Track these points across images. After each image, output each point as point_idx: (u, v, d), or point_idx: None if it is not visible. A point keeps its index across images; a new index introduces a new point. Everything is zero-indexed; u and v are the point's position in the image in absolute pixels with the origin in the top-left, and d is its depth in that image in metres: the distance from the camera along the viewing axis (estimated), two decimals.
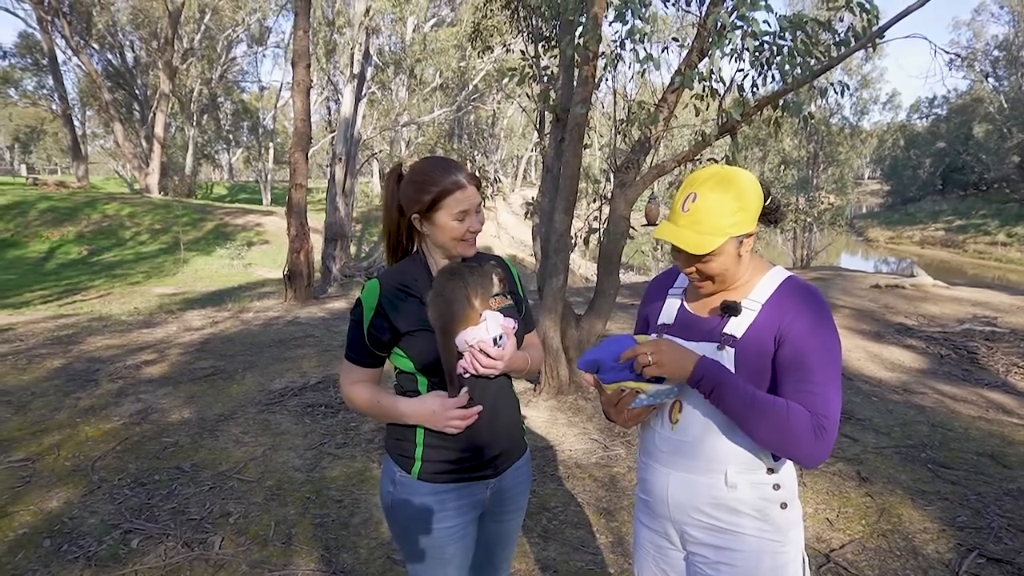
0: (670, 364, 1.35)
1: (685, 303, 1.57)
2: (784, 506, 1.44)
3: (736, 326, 1.43)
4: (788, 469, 1.47)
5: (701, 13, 4.60)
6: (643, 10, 4.01)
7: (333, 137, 18.72)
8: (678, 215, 1.43)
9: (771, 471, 1.43)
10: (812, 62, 4.33)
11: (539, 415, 4.73)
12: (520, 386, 4.99)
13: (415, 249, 1.75)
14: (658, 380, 1.41)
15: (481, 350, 1.57)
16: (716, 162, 5.13)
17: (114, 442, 4.08)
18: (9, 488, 3.48)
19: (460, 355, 1.59)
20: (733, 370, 1.41)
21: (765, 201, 1.48)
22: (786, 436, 1.32)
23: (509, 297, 1.76)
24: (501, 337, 1.61)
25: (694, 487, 1.45)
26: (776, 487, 1.43)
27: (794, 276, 1.48)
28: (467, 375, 1.61)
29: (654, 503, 1.55)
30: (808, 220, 21.19)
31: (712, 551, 1.46)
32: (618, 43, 5.29)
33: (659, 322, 1.59)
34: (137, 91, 32.24)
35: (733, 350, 1.41)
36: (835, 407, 1.34)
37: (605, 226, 5.22)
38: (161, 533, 3.05)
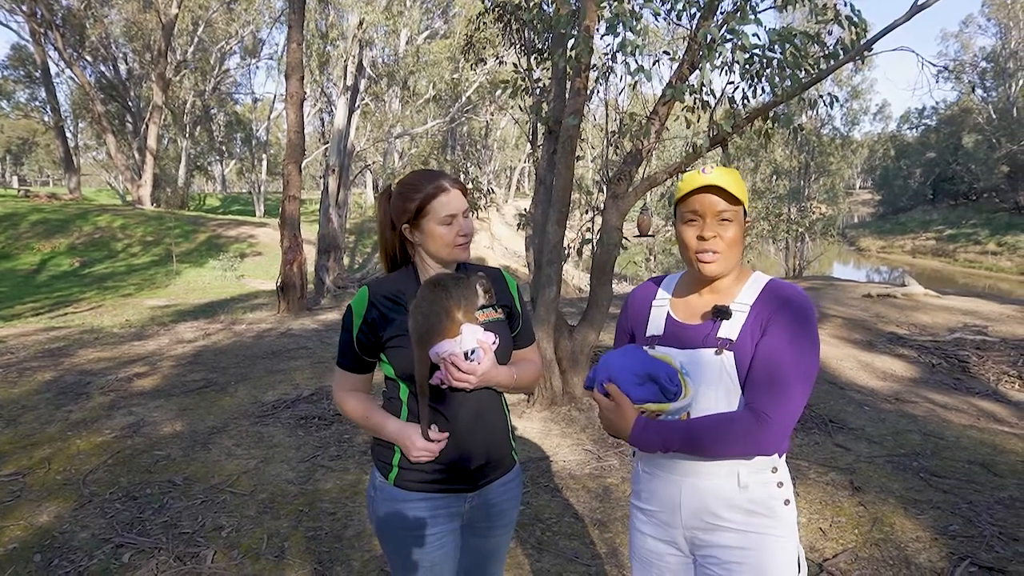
0: (610, 426, 1.51)
1: (672, 313, 1.59)
2: (787, 502, 1.49)
3: (729, 329, 1.47)
4: (785, 468, 1.52)
5: (692, 27, 4.65)
6: (634, 23, 4.05)
7: (326, 149, 18.75)
8: (706, 175, 1.48)
9: (775, 469, 1.48)
10: (801, 74, 4.38)
11: (532, 426, 4.73)
12: (513, 397, 4.98)
13: (410, 262, 1.77)
14: (674, 397, 1.45)
15: (452, 363, 1.56)
16: None
17: (105, 455, 4.05)
18: None
19: (436, 367, 1.59)
20: (735, 373, 1.44)
21: None
22: (729, 444, 1.41)
23: (500, 311, 1.75)
24: (474, 351, 1.59)
25: (708, 492, 1.49)
26: (780, 485, 1.49)
27: (776, 279, 1.53)
28: (444, 386, 1.61)
29: (662, 512, 1.56)
30: (800, 230, 21.29)
31: (723, 551, 1.49)
32: (610, 56, 5.34)
33: (648, 334, 1.60)
34: (130, 103, 32.19)
35: (732, 353, 1.45)
36: (787, 404, 1.39)
37: (598, 237, 5.24)
38: (153, 547, 3.03)
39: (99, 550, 3.00)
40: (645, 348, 1.57)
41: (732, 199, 1.47)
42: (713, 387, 1.46)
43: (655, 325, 1.60)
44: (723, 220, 1.47)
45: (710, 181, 1.46)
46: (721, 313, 1.47)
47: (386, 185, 1.78)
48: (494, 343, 1.63)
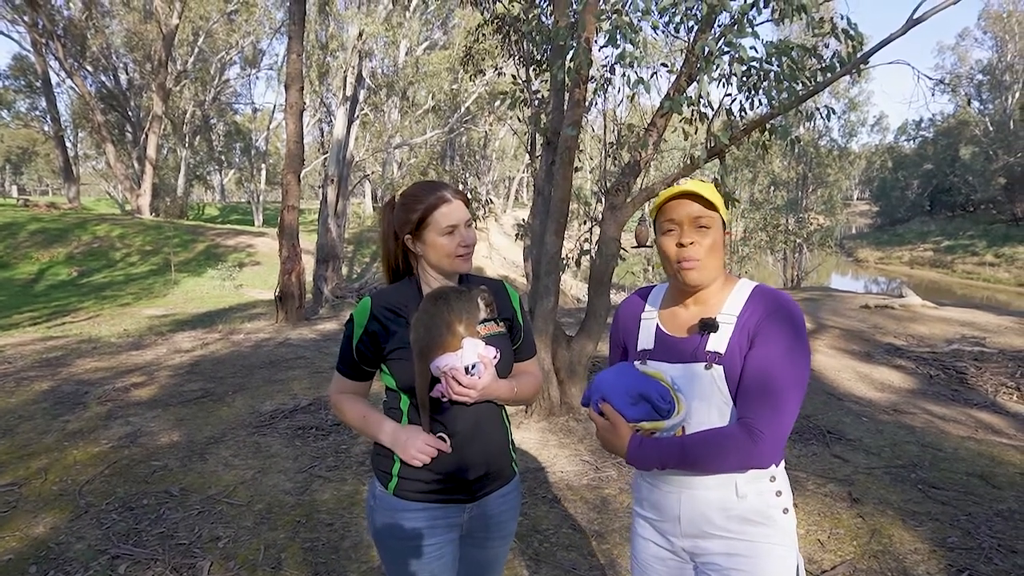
0: (608, 445, 1.53)
1: (661, 326, 1.59)
2: (785, 511, 1.50)
3: (717, 342, 1.47)
4: (784, 477, 1.53)
5: (690, 39, 4.68)
6: (633, 35, 4.08)
7: (326, 158, 18.79)
8: (681, 184, 1.52)
9: (773, 479, 1.49)
10: (798, 87, 4.41)
11: (530, 437, 4.72)
12: (511, 408, 4.98)
13: (412, 273, 1.78)
14: (667, 415, 1.46)
15: (453, 377, 1.57)
16: None
17: (102, 466, 4.04)
18: None
19: (437, 380, 1.60)
20: (725, 387, 1.44)
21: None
22: (723, 460, 1.42)
23: (501, 324, 1.75)
24: (474, 366, 1.59)
25: (707, 503, 1.49)
26: (778, 493, 1.49)
27: (762, 284, 1.54)
28: (444, 400, 1.61)
29: (664, 522, 1.57)
30: (798, 241, 21.35)
31: (724, 559, 1.50)
32: (608, 67, 5.37)
33: (639, 348, 1.61)
34: (130, 113, 32.21)
35: (721, 367, 1.45)
36: (780, 416, 1.39)
37: (596, 248, 5.25)
38: (149, 558, 3.02)
39: (95, 561, 2.99)
40: (637, 363, 1.57)
41: (708, 204, 1.48)
42: (706, 402, 1.47)
43: (645, 339, 1.60)
44: (700, 227, 1.48)
45: (684, 188, 1.49)
46: (708, 327, 1.48)
47: (389, 196, 1.79)
48: (495, 357, 1.64)
